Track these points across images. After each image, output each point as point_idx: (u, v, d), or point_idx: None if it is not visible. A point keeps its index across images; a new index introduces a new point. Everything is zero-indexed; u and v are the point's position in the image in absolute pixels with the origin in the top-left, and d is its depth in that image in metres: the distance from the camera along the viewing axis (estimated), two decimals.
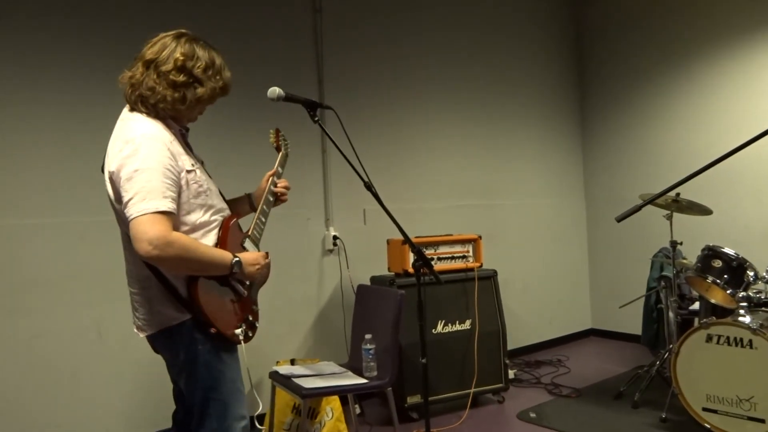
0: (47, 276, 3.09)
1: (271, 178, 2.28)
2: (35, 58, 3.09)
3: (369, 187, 2.29)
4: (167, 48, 1.91)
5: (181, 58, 1.90)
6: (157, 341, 2.00)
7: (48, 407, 3.06)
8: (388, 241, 3.96)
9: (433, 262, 3.84)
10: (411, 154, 4.57)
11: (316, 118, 2.26)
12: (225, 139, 3.67)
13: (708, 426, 3.14)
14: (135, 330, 2.02)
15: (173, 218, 1.81)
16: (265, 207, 2.22)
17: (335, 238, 4.10)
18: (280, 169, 2.34)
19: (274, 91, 2.16)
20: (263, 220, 2.20)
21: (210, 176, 2.07)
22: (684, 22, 4.98)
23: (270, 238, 2.44)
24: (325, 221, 4.13)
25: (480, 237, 4.06)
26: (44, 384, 3.06)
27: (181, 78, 1.90)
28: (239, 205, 2.28)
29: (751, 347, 3.02)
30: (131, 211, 1.74)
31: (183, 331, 1.90)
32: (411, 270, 3.69)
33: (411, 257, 3.69)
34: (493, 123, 5.08)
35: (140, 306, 1.94)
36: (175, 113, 1.95)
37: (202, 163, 2.09)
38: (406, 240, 2.44)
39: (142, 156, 1.78)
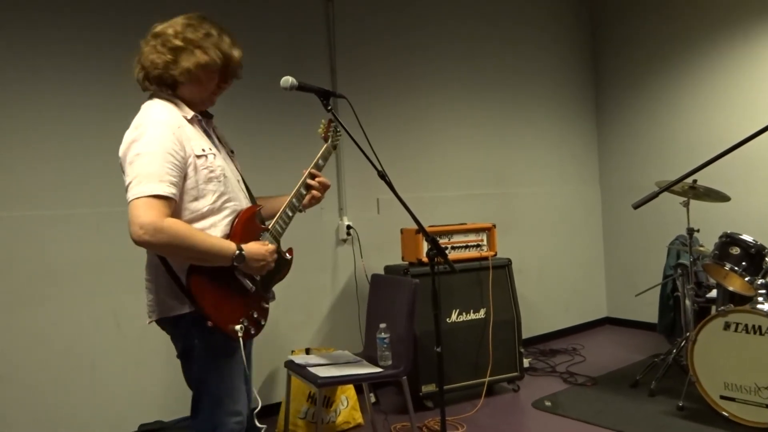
0: (64, 266, 3.12)
1: (308, 170, 2.16)
2: (48, 53, 3.11)
3: (383, 176, 2.25)
4: (175, 22, 1.91)
5: (183, 22, 1.89)
6: (162, 327, 2.00)
7: (66, 396, 3.10)
8: (401, 231, 3.96)
9: (447, 251, 3.84)
10: (424, 143, 4.55)
11: (329, 107, 2.24)
12: (236, 130, 3.65)
13: (726, 414, 3.12)
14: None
15: (171, 203, 1.77)
16: (294, 200, 2.11)
17: (349, 227, 4.10)
18: (321, 161, 2.22)
19: (287, 80, 2.14)
20: (289, 214, 2.09)
21: (237, 168, 2.07)
22: (702, 7, 4.90)
23: None
24: (339, 211, 4.13)
25: (494, 225, 4.05)
26: (62, 373, 3.10)
27: (177, 42, 1.86)
28: (272, 202, 2.17)
29: None
30: (128, 194, 1.75)
31: (182, 324, 1.89)
32: (425, 259, 3.68)
33: (425, 246, 3.70)
34: (507, 111, 5.05)
35: (150, 292, 1.94)
36: (188, 92, 1.92)
37: (232, 153, 2.09)
38: (420, 229, 2.42)
39: (146, 140, 1.78)
